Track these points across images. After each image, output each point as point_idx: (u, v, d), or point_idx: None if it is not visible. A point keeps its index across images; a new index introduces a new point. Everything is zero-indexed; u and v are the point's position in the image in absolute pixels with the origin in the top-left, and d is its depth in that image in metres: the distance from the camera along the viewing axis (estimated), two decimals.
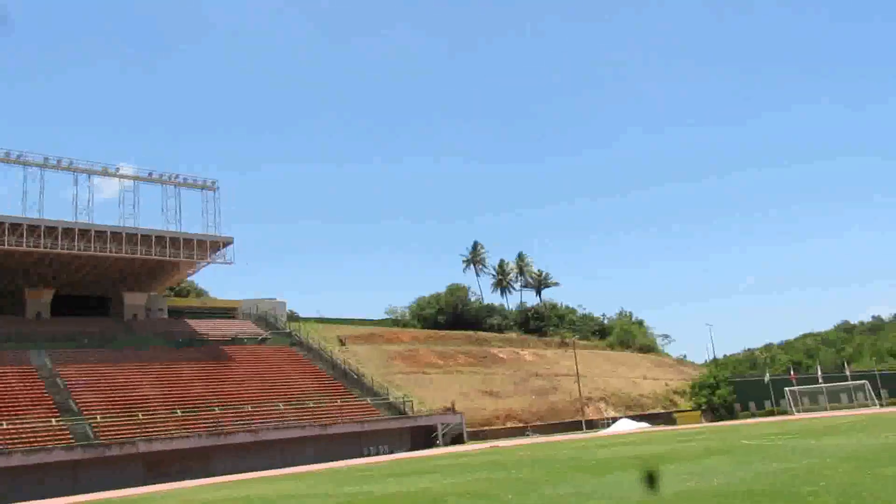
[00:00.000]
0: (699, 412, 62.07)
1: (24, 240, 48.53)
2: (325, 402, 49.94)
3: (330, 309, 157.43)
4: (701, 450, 22.32)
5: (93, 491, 34.04)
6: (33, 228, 49.09)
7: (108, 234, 52.18)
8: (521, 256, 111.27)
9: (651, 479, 9.00)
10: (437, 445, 50.08)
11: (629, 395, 70.39)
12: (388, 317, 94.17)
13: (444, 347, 74.20)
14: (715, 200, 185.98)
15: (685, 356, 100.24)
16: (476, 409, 59.46)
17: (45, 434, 38.44)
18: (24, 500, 31.89)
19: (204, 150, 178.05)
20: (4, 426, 37.72)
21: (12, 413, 39.50)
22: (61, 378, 45.00)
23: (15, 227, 48.38)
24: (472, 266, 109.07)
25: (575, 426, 60.08)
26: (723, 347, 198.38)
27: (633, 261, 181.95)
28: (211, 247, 56.85)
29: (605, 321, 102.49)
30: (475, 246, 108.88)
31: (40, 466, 35.83)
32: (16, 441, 36.98)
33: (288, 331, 64.98)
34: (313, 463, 42.14)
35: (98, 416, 41.00)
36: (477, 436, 54.85)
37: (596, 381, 71.26)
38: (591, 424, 61.05)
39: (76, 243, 50.59)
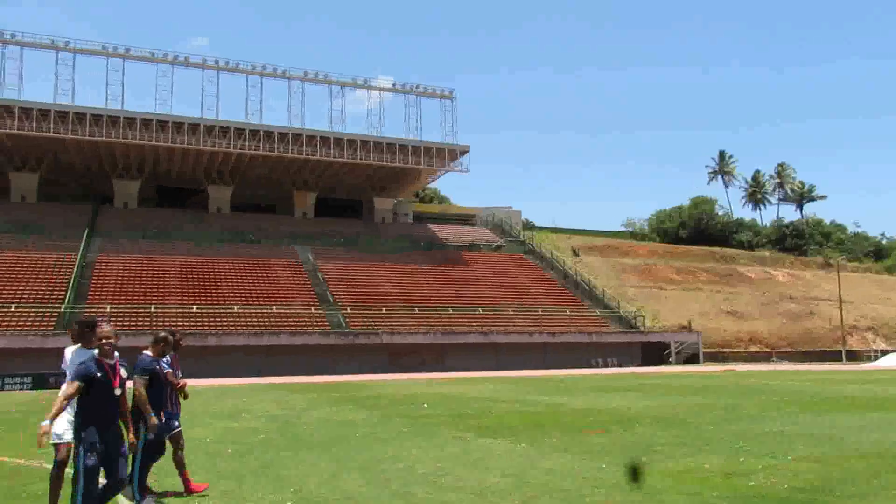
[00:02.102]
0: None
1: (290, 147, 54.39)
2: (555, 311, 50.37)
3: (565, 219, 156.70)
4: None
5: (344, 374, 38.48)
6: (297, 137, 54.78)
7: (359, 142, 56.53)
8: (781, 166, 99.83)
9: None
10: (670, 363, 48.30)
11: None
12: (624, 229, 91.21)
13: (683, 263, 70.17)
14: None
15: None
16: (715, 329, 55.95)
17: (307, 320, 43.89)
18: (290, 375, 37.06)
19: (441, 58, 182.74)
20: (275, 310, 43.74)
21: (282, 300, 45.55)
22: (320, 272, 50.65)
23: (283, 135, 54.38)
24: (718, 177, 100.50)
25: (833, 356, 53.95)
26: None
27: None
28: (449, 155, 58.97)
29: (884, 241, 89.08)
30: (721, 155, 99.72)
31: (302, 347, 41.11)
32: (284, 324, 42.75)
33: (522, 239, 65.94)
34: (539, 368, 43.15)
35: (349, 308, 45.68)
36: (714, 357, 51.84)
37: (863, 309, 62.86)
38: (853, 356, 54.38)
39: (332, 150, 55.56)
